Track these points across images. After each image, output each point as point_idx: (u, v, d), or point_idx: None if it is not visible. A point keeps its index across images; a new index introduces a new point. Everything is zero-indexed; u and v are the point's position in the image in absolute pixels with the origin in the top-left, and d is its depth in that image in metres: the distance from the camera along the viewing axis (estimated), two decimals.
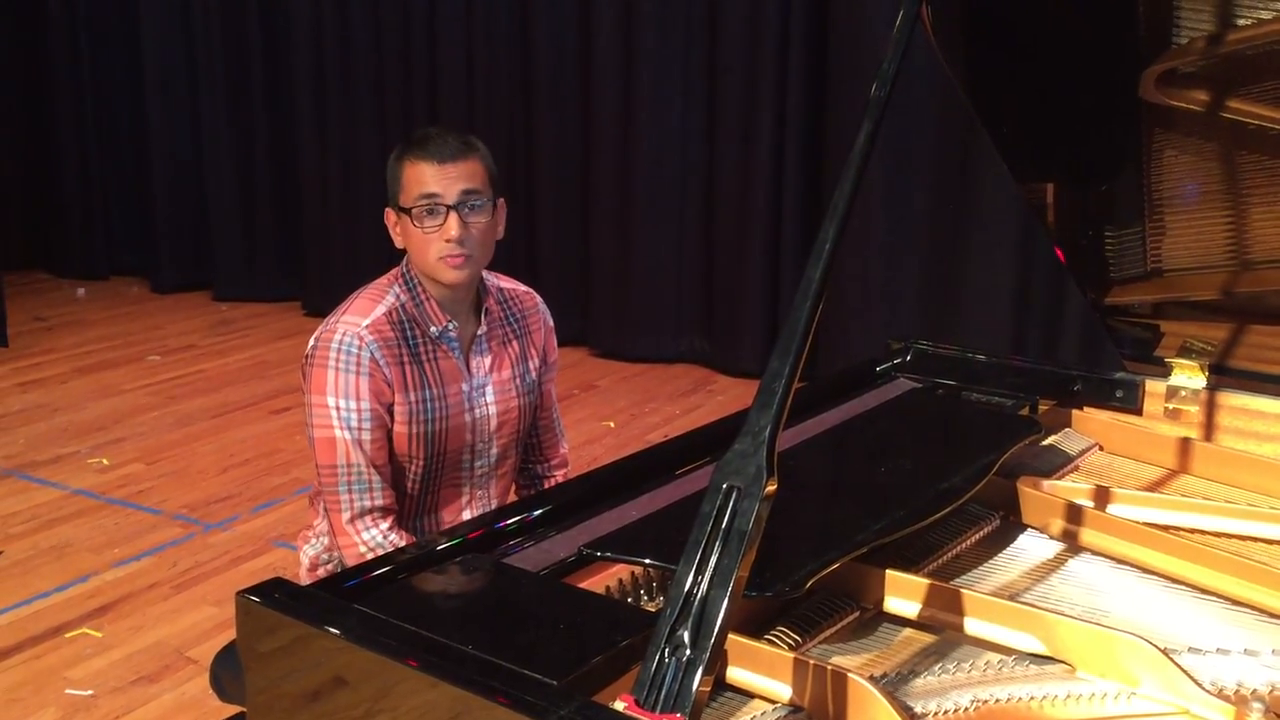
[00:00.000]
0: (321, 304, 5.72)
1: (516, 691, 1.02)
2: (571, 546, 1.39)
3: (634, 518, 1.47)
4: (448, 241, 1.98)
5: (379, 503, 2.00)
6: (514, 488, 2.32)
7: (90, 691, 2.79)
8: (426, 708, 1.06)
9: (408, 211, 2.00)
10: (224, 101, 6.40)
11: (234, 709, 1.53)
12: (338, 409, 1.98)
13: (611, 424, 4.65)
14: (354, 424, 1.98)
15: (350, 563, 2.02)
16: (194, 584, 3.32)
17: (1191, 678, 1.21)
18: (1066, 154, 1.89)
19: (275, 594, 1.18)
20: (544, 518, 1.47)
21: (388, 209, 2.07)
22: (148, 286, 6.78)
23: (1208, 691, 1.20)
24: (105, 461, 4.23)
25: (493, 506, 2.19)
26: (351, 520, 1.99)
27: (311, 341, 2.05)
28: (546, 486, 2.31)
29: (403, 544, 1.98)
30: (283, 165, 6.37)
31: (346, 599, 1.21)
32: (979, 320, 4.53)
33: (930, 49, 1.69)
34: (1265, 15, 1.58)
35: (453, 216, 1.98)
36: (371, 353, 1.99)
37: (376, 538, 1.99)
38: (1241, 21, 1.62)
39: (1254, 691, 1.24)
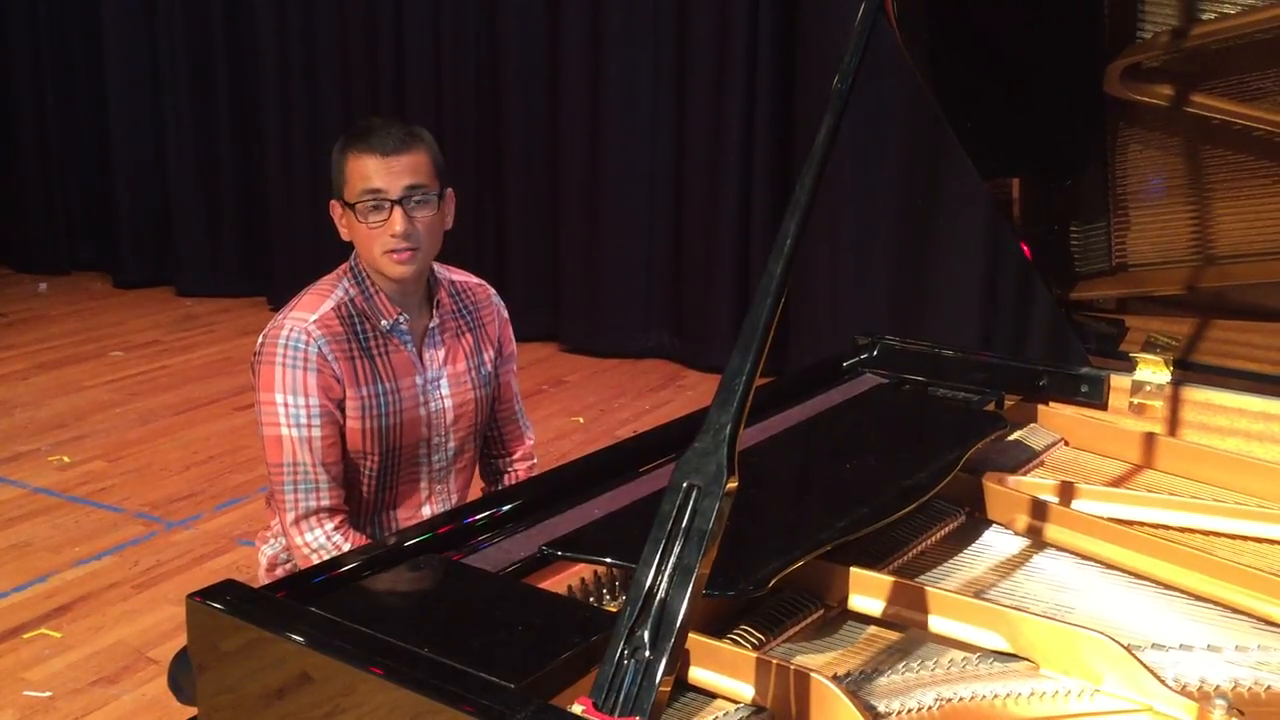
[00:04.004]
0: (287, 299, 5.65)
1: (472, 695, 1.00)
2: (532, 545, 1.38)
3: (596, 516, 1.45)
4: (392, 237, 1.95)
5: (325, 503, 1.98)
6: (477, 482, 2.30)
7: (49, 693, 2.74)
8: (381, 712, 1.04)
9: (352, 207, 1.97)
10: (186, 93, 6.32)
11: (194, 711, 1.50)
12: (285, 406, 1.95)
13: (580, 419, 4.63)
14: (302, 421, 1.95)
15: (300, 564, 2.00)
16: (155, 583, 3.27)
17: (1155, 674, 1.21)
18: (1031, 149, 1.89)
19: (227, 596, 1.16)
20: (504, 516, 1.45)
21: (333, 201, 2.04)
22: (110, 281, 6.69)
23: (1171, 688, 1.20)
24: (66, 459, 4.17)
25: (453, 501, 2.18)
26: (296, 521, 1.97)
27: (260, 338, 2.03)
28: (508, 481, 2.29)
29: (347, 545, 1.96)
30: (247, 159, 6.30)
31: (301, 601, 1.19)
32: (946, 316, 4.54)
33: (895, 43, 1.68)
34: (1229, 10, 1.58)
35: (397, 211, 1.95)
36: (319, 348, 1.96)
37: (320, 539, 1.97)
38: (1206, 16, 1.61)
39: (1217, 688, 1.24)
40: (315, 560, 1.94)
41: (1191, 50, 1.65)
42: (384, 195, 1.95)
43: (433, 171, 2.00)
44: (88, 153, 6.71)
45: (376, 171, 1.95)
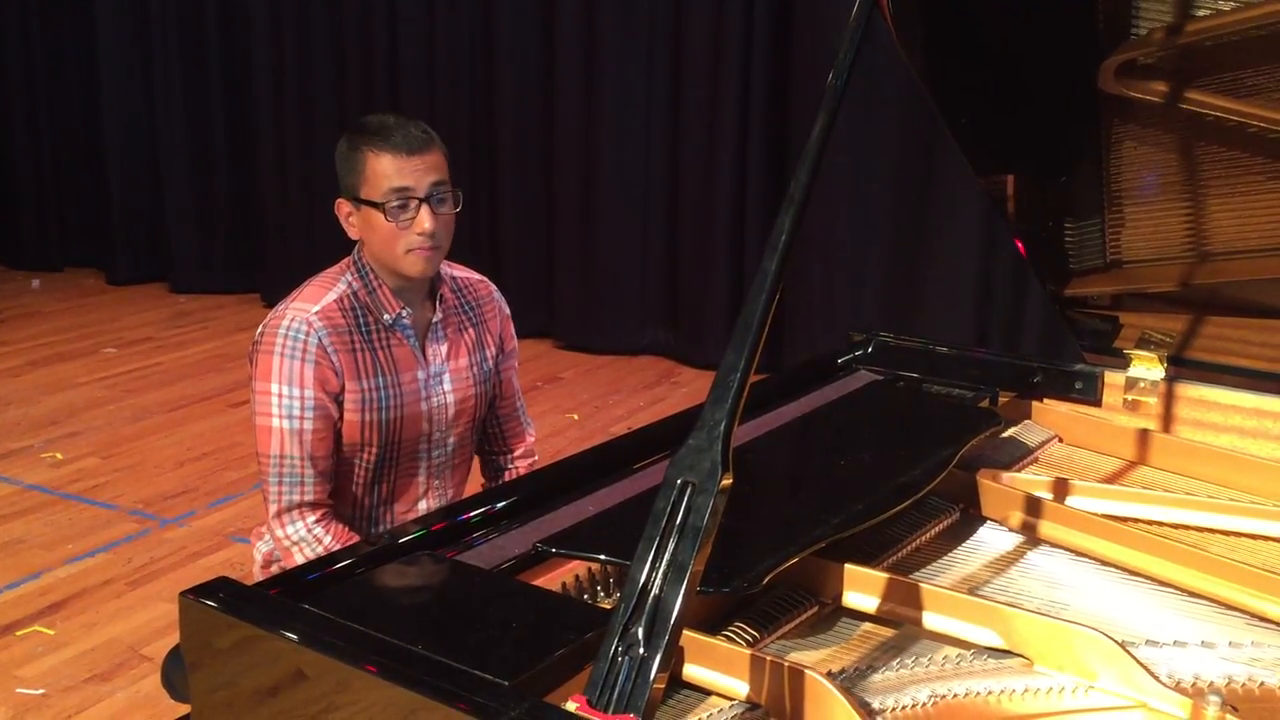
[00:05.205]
0: (281, 296, 5.63)
1: (466, 692, 1.00)
2: (527, 542, 1.37)
3: (590, 513, 1.45)
4: (419, 235, 1.95)
5: (308, 498, 1.98)
6: (474, 477, 2.30)
7: (42, 690, 2.74)
8: (375, 709, 1.03)
9: (378, 205, 1.96)
10: (180, 91, 6.31)
11: (187, 708, 1.50)
12: (280, 396, 1.95)
13: (575, 416, 4.63)
14: (295, 413, 1.95)
15: (283, 556, 2.00)
16: (149, 580, 3.27)
17: (1149, 671, 1.21)
18: (1026, 146, 1.89)
19: (220, 594, 1.15)
20: (499, 513, 1.44)
21: (340, 199, 2.03)
22: (104, 278, 6.68)
23: (1165, 684, 1.20)
24: (59, 456, 4.16)
25: (450, 496, 2.18)
26: (278, 514, 1.97)
27: (260, 327, 2.03)
28: (508, 478, 2.29)
29: (329, 538, 1.96)
30: (240, 156, 6.29)
31: (294, 598, 1.19)
32: (941, 312, 4.55)
33: (890, 40, 1.68)
34: (1224, 7, 1.58)
35: (424, 210, 1.95)
36: (319, 339, 1.96)
37: (300, 531, 1.97)
38: (1200, 13, 1.61)
39: (1211, 684, 1.24)
40: (296, 552, 1.95)
41: (1186, 47, 1.65)
42: (412, 193, 1.95)
43: (447, 168, 2.01)
44: (81, 150, 6.71)
45: (403, 170, 1.94)
